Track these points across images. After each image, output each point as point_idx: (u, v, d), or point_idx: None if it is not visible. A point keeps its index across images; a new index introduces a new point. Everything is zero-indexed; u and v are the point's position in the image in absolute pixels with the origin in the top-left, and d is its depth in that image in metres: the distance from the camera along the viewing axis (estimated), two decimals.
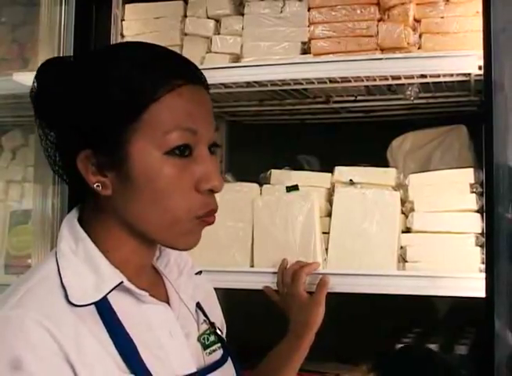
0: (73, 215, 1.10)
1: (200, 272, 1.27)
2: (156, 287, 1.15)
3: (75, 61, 1.11)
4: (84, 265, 1.04)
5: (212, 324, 1.23)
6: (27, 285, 1.00)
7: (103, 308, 1.02)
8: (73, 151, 1.04)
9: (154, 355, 1.04)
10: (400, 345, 1.96)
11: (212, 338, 1.20)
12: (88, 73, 1.06)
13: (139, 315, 1.07)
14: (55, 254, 1.05)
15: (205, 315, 1.23)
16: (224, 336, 1.25)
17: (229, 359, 1.21)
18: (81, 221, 1.09)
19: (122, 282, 1.04)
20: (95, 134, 1.03)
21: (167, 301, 1.15)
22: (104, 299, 1.02)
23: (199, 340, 1.17)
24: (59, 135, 1.08)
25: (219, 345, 1.21)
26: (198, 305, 1.22)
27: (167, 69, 1.05)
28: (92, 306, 1.01)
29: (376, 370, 1.99)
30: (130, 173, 1.02)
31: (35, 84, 1.08)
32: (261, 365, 1.59)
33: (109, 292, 1.02)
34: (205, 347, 1.18)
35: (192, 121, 1.03)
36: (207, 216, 1.06)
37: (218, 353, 1.20)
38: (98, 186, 1.04)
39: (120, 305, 1.04)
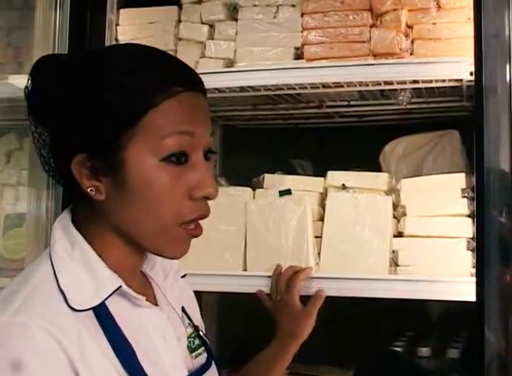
0: (66, 217, 1.09)
1: (184, 276, 1.26)
2: (146, 290, 1.14)
3: (73, 60, 1.09)
4: (81, 269, 1.03)
5: (196, 327, 1.23)
6: (25, 290, 0.99)
7: (101, 312, 1.01)
8: (68, 154, 1.02)
9: (150, 359, 1.04)
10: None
11: (197, 341, 1.20)
12: (87, 74, 1.04)
13: (135, 319, 1.06)
14: (49, 257, 1.04)
15: (189, 318, 1.23)
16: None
17: (213, 362, 1.21)
18: (73, 223, 1.08)
19: (121, 286, 1.03)
20: (91, 138, 1.01)
21: (156, 305, 1.14)
22: (102, 304, 1.01)
23: (186, 344, 1.18)
24: (55, 137, 1.06)
25: (203, 348, 1.21)
26: (182, 309, 1.22)
27: (168, 75, 1.04)
28: (90, 311, 1.00)
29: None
30: (125, 179, 1.01)
31: (30, 81, 1.07)
32: (245, 369, 1.59)
33: (108, 297, 1.02)
34: (191, 350, 1.18)
35: (190, 124, 1.02)
36: (196, 221, 1.05)
37: (203, 357, 1.20)
38: (92, 190, 1.02)
39: (117, 309, 1.03)
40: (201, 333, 1.23)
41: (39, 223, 1.89)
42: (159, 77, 1.03)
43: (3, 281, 2.08)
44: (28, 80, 1.07)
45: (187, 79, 1.06)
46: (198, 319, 1.29)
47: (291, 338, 1.61)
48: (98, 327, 1.00)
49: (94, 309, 1.00)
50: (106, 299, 1.01)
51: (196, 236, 1.07)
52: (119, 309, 1.04)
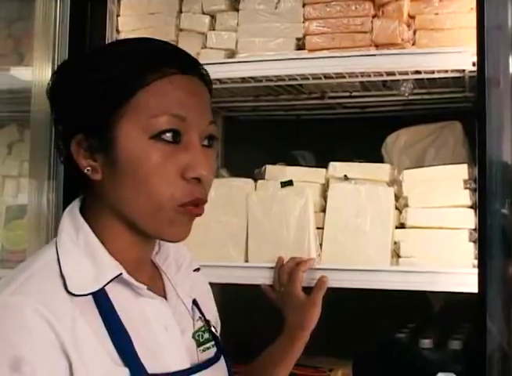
0: (75, 206, 1.11)
1: (197, 270, 1.27)
2: (155, 282, 1.15)
3: (80, 57, 1.14)
4: (83, 255, 1.05)
5: (207, 322, 1.23)
6: (26, 273, 1.01)
7: (101, 299, 1.02)
8: (69, 136, 1.06)
9: (149, 349, 1.05)
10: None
11: (207, 335, 1.20)
12: (84, 63, 1.09)
13: (136, 308, 1.07)
14: (55, 243, 1.06)
15: (201, 312, 1.23)
16: (218, 334, 1.26)
17: (222, 357, 1.21)
18: (81, 212, 1.10)
19: (121, 274, 1.04)
20: (86, 117, 1.05)
21: (165, 296, 1.15)
22: (102, 290, 1.03)
23: (193, 337, 1.18)
24: (59, 125, 1.11)
25: (213, 342, 1.21)
26: (194, 302, 1.22)
27: (161, 57, 1.06)
28: (90, 297, 1.02)
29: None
30: (116, 157, 1.03)
31: (52, 80, 1.12)
32: (254, 363, 1.60)
33: (108, 283, 1.03)
34: (199, 344, 1.18)
35: (181, 108, 1.04)
36: (192, 205, 1.05)
37: (212, 351, 1.20)
38: (88, 170, 1.05)
39: (118, 297, 1.04)
40: (213, 329, 1.23)
41: (40, 215, 1.89)
42: (151, 58, 1.05)
43: (4, 272, 2.08)
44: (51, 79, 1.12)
45: (181, 62, 1.07)
46: (212, 313, 1.30)
47: (299, 328, 1.61)
48: (96, 312, 1.02)
49: (94, 295, 1.02)
50: (105, 285, 1.03)
51: (197, 215, 1.08)
52: (120, 297, 1.05)
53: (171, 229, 1.07)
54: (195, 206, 1.06)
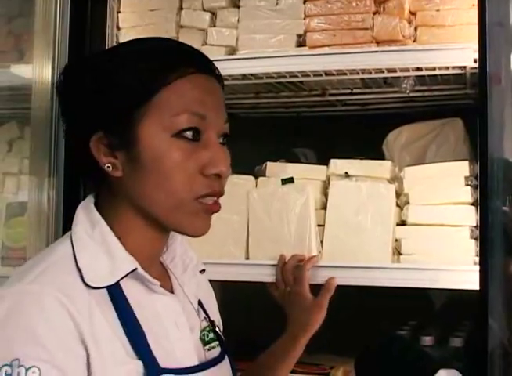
0: (89, 201, 1.13)
1: (203, 271, 1.28)
2: (164, 280, 1.17)
3: (97, 56, 1.15)
4: (99, 249, 1.06)
5: (212, 322, 1.25)
6: (42, 265, 1.02)
7: (115, 293, 1.04)
8: (88, 134, 1.07)
9: (160, 344, 1.06)
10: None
11: (211, 335, 1.22)
12: (105, 60, 1.10)
13: (149, 303, 1.09)
14: (70, 238, 1.08)
15: (205, 312, 1.25)
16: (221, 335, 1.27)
17: (226, 357, 1.22)
18: (96, 207, 1.11)
19: (136, 269, 1.06)
20: (107, 115, 1.06)
21: (173, 293, 1.17)
22: (117, 284, 1.04)
23: (199, 336, 1.19)
24: (77, 122, 1.11)
25: (217, 342, 1.22)
26: (199, 303, 1.24)
27: (179, 57, 1.09)
28: (105, 290, 1.03)
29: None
30: (138, 154, 1.05)
31: (61, 78, 1.13)
32: (256, 362, 1.60)
33: (123, 277, 1.05)
34: (205, 343, 1.19)
35: (201, 107, 1.06)
36: (210, 197, 1.08)
37: (217, 350, 1.21)
38: (108, 167, 1.07)
39: (132, 292, 1.06)
40: (217, 329, 1.24)
41: (41, 212, 1.88)
42: (172, 57, 1.08)
43: (4, 270, 2.09)
44: (60, 77, 1.13)
45: (200, 61, 1.10)
46: (215, 314, 1.32)
47: (302, 329, 1.62)
48: (111, 305, 1.03)
49: (108, 288, 1.04)
50: (120, 280, 1.05)
51: (214, 212, 1.11)
52: (133, 292, 1.07)
53: (193, 223, 1.09)
54: (213, 201, 1.09)
